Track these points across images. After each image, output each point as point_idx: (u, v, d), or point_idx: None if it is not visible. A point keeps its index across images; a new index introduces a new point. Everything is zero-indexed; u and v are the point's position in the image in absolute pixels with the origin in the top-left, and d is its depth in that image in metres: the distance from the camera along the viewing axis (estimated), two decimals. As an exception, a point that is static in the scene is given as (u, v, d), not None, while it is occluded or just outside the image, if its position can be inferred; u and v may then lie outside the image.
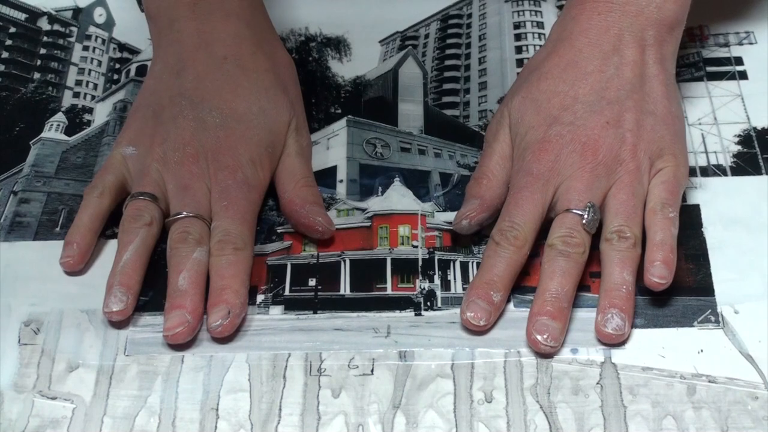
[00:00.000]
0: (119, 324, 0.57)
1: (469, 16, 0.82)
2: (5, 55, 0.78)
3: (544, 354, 0.54)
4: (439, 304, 0.59)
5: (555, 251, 0.55)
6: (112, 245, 0.62)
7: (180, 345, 0.55)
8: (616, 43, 0.60)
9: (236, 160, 0.60)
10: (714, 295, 0.58)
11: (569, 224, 0.56)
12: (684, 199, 0.63)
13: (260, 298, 0.60)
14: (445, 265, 0.61)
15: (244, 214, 0.59)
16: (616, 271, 0.55)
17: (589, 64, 0.60)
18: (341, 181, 0.68)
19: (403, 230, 0.63)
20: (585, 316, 0.57)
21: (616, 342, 0.54)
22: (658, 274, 0.54)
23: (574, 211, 0.56)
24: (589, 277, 0.59)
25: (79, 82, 0.76)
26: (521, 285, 0.59)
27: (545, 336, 0.53)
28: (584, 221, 0.56)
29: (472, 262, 0.61)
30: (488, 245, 0.57)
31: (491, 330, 0.56)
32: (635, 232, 0.56)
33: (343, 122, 0.72)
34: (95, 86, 0.76)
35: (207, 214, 0.58)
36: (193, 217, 0.58)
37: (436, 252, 0.62)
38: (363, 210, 0.65)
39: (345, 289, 0.60)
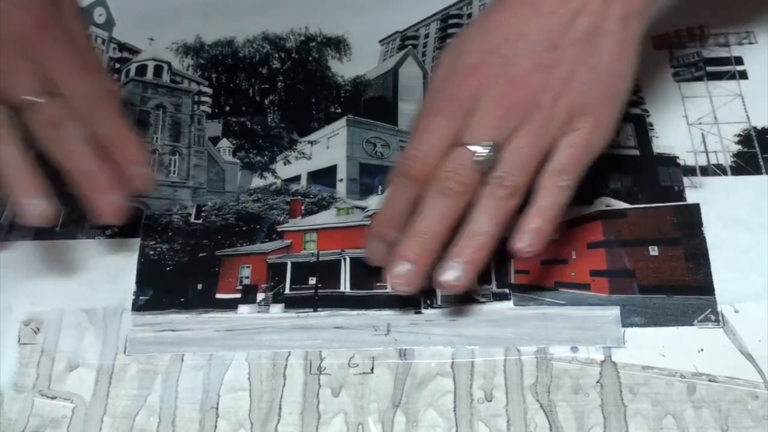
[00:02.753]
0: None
1: (469, 15, 0.81)
2: (5, 55, 0.78)
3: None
4: (439, 302, 0.59)
5: (436, 188, 0.52)
6: (111, 245, 0.62)
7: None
8: None
9: None
10: (714, 294, 0.57)
11: (461, 160, 0.52)
12: (684, 198, 0.63)
13: (260, 296, 0.60)
14: (445, 264, 0.61)
15: None
16: (478, 217, 0.52)
17: (546, 4, 0.56)
18: (341, 180, 0.68)
19: (403, 229, 0.63)
20: (585, 314, 0.57)
21: (452, 291, 0.54)
22: (526, 240, 0.52)
23: (472, 147, 0.52)
24: (589, 276, 0.59)
25: (79, 82, 0.76)
26: (521, 283, 0.59)
27: (401, 280, 0.52)
28: (480, 158, 0.52)
29: (472, 261, 0.61)
30: (393, 175, 0.54)
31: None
32: (517, 182, 0.53)
33: (343, 122, 0.72)
34: (95, 86, 0.76)
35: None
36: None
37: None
38: (363, 209, 0.65)
39: (345, 287, 0.60)
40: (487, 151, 0.52)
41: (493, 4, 0.59)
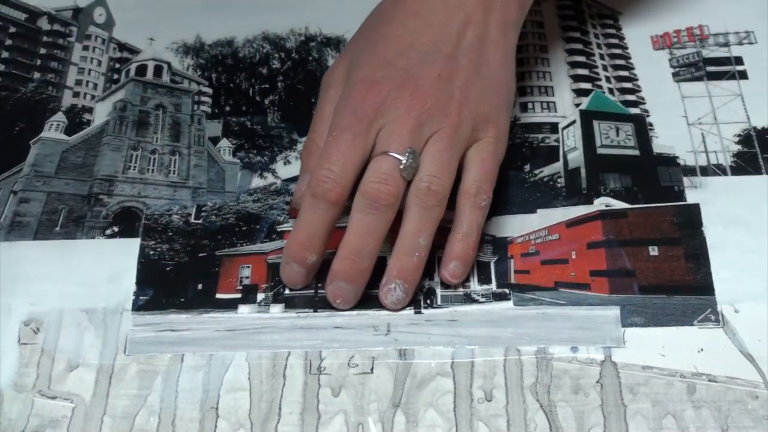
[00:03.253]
0: None
1: (469, 16, 0.81)
2: (5, 55, 0.78)
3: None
4: (439, 302, 0.59)
5: (365, 202, 0.53)
6: (111, 245, 0.62)
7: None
8: (462, 0, 0.59)
9: None
10: (714, 294, 0.57)
11: (385, 168, 0.53)
12: (684, 198, 0.63)
13: (260, 296, 0.60)
14: (445, 264, 0.61)
15: None
16: (411, 231, 0.54)
17: (432, 15, 0.58)
18: (341, 180, 0.68)
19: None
20: (585, 314, 0.57)
21: (393, 309, 0.56)
22: (451, 272, 0.56)
23: (392, 154, 0.53)
24: (589, 276, 0.59)
25: (79, 82, 0.76)
26: (521, 284, 0.59)
27: (338, 300, 0.55)
28: (402, 166, 0.53)
29: (473, 261, 0.61)
30: (304, 195, 0.55)
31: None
32: (445, 186, 0.54)
33: (343, 122, 0.72)
34: (95, 86, 0.76)
35: None
36: None
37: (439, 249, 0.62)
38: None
39: (345, 287, 0.60)
40: (407, 156, 0.53)
41: (374, 18, 0.61)
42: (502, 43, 0.59)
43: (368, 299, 0.59)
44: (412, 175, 0.54)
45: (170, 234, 0.64)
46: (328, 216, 0.54)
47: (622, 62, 0.74)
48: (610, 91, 0.72)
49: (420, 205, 0.54)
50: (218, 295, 0.60)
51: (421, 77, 0.55)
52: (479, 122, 0.57)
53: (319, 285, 0.60)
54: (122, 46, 0.79)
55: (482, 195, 0.56)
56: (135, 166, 0.69)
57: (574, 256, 0.60)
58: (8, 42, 0.79)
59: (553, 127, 0.70)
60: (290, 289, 0.58)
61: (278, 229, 0.64)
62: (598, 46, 0.76)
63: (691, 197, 0.63)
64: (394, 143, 0.54)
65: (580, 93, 0.72)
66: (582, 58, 0.75)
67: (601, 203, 0.63)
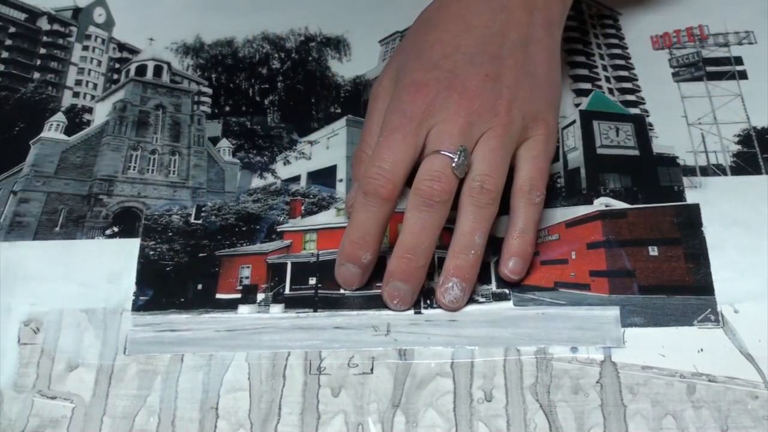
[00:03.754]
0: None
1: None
2: (5, 55, 0.78)
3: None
4: (439, 303, 0.59)
5: (418, 200, 0.53)
6: (111, 245, 0.62)
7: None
8: (504, 1, 0.60)
9: None
10: (714, 295, 0.57)
11: (438, 166, 0.53)
12: (684, 198, 0.63)
13: (260, 296, 0.60)
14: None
15: None
16: (469, 231, 0.54)
17: (475, 18, 0.59)
18: (341, 180, 0.68)
19: (403, 229, 0.63)
20: (585, 314, 0.57)
21: (452, 311, 0.56)
22: (511, 269, 0.56)
23: (444, 152, 0.54)
24: (589, 276, 0.59)
25: (78, 82, 0.76)
26: (522, 284, 0.59)
27: (396, 301, 0.55)
28: (454, 164, 0.53)
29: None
30: (356, 195, 0.55)
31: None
32: (498, 185, 0.55)
33: (342, 122, 0.72)
34: (95, 86, 0.76)
35: None
36: None
37: (435, 250, 0.61)
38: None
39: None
40: (458, 155, 0.53)
41: (418, 25, 0.62)
42: (547, 41, 0.60)
43: (369, 299, 0.59)
44: (464, 173, 0.54)
45: (170, 234, 0.64)
46: (381, 214, 0.54)
47: (622, 62, 0.74)
48: (610, 91, 0.72)
49: (474, 204, 0.54)
50: (218, 296, 0.60)
51: (468, 78, 0.56)
52: (529, 120, 0.57)
53: (319, 286, 0.60)
54: (122, 46, 0.79)
55: (536, 192, 0.57)
56: (135, 166, 0.69)
57: (573, 257, 0.60)
58: (8, 42, 0.79)
59: (553, 127, 0.69)
60: (344, 290, 0.58)
61: (278, 229, 0.64)
62: (598, 46, 0.76)
63: (690, 197, 0.63)
64: (445, 142, 0.54)
65: (580, 93, 0.72)
66: (582, 58, 0.75)
67: (600, 203, 0.63)
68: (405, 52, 0.61)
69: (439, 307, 0.57)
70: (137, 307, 0.58)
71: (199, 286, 0.61)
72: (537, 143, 0.58)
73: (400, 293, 0.54)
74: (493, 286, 0.59)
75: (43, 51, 0.79)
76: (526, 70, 0.58)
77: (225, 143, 0.71)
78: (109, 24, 0.81)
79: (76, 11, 0.82)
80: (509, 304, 0.58)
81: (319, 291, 0.60)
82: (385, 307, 0.58)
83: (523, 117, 0.57)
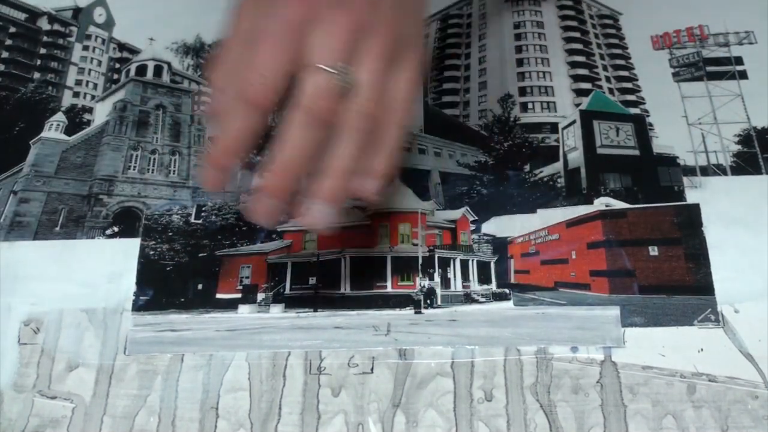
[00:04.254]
0: None
1: (469, 15, 0.81)
2: (5, 55, 0.78)
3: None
4: (439, 302, 0.59)
5: (303, 116, 0.49)
6: (111, 245, 0.62)
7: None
8: None
9: None
10: (714, 294, 0.57)
11: (323, 83, 0.49)
12: (684, 198, 0.63)
13: (261, 296, 0.60)
14: (445, 263, 0.61)
15: None
16: (345, 155, 0.50)
17: None
18: (341, 180, 0.68)
19: (403, 228, 0.63)
20: (585, 314, 0.57)
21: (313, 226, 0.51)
22: (367, 186, 0.51)
23: (328, 69, 0.49)
24: (589, 276, 0.59)
25: (79, 82, 0.76)
26: (521, 284, 0.59)
27: (262, 215, 0.50)
28: (338, 82, 0.49)
29: (472, 260, 0.61)
30: (230, 102, 0.50)
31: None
32: (372, 109, 0.51)
33: (343, 122, 0.72)
34: (95, 86, 0.76)
35: None
36: None
37: (436, 250, 0.62)
38: (363, 208, 0.65)
39: (345, 287, 0.60)
40: (343, 73, 0.49)
41: None
42: None
43: (368, 299, 0.59)
44: (347, 91, 0.50)
45: (170, 234, 0.64)
46: (255, 123, 0.50)
47: (622, 62, 0.74)
48: (610, 91, 0.72)
49: (353, 127, 0.50)
50: (218, 295, 0.60)
51: None
52: (402, 45, 0.53)
53: (319, 285, 0.60)
54: (122, 46, 0.79)
55: (403, 113, 0.52)
56: (135, 166, 0.69)
57: (574, 256, 0.60)
58: (8, 42, 0.79)
59: (553, 127, 0.70)
60: (206, 192, 0.53)
61: (278, 229, 0.64)
62: (598, 46, 0.76)
63: (691, 197, 0.63)
64: (325, 56, 0.50)
65: (580, 93, 0.72)
66: (582, 58, 0.75)
67: (601, 203, 0.63)
68: None
69: (439, 307, 0.58)
70: (137, 307, 0.58)
71: (200, 286, 0.61)
72: (410, 67, 0.53)
73: (268, 208, 0.50)
74: (493, 286, 0.60)
75: (43, 51, 0.79)
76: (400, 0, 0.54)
77: (225, 143, 0.71)
78: (109, 24, 0.81)
79: (77, 11, 0.82)
80: (509, 304, 0.58)
81: (319, 291, 0.60)
82: (385, 306, 0.58)
83: (396, 41, 0.52)
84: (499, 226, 0.63)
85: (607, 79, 0.74)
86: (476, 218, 0.63)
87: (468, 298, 0.59)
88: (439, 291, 0.59)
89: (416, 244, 0.62)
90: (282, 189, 0.50)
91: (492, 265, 0.60)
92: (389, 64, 0.52)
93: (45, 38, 0.80)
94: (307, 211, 0.50)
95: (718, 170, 0.66)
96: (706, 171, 0.65)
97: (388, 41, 0.51)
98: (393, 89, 0.52)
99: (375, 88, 0.51)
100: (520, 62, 0.76)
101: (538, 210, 0.64)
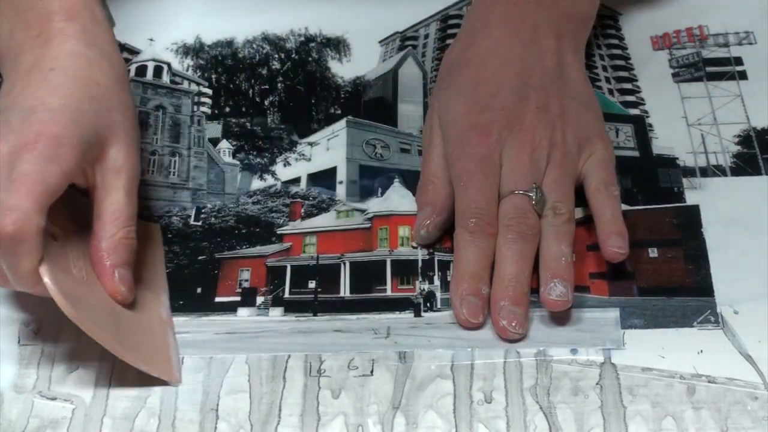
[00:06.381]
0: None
1: (469, 16, 0.81)
2: (5, 55, 0.78)
3: (512, 340, 0.55)
4: (439, 305, 0.59)
5: (512, 233, 0.56)
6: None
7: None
8: (533, 33, 0.62)
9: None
10: (714, 296, 0.58)
11: (520, 205, 0.56)
12: (683, 199, 0.63)
13: (260, 299, 0.60)
14: (445, 266, 0.61)
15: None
16: (553, 244, 0.56)
17: (509, 52, 0.61)
18: (341, 182, 0.68)
19: (403, 231, 0.63)
20: (585, 316, 0.57)
21: (561, 308, 0.55)
22: (616, 245, 0.56)
23: (523, 192, 0.57)
24: (588, 278, 0.59)
25: (78, 83, 0.76)
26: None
27: (513, 324, 0.54)
28: (534, 201, 0.56)
29: (472, 263, 0.61)
30: (459, 236, 0.57)
31: (486, 324, 0.56)
32: (569, 208, 0.57)
33: (342, 123, 0.72)
34: (95, 87, 0.76)
35: None
36: None
37: (435, 253, 0.62)
38: (363, 211, 0.65)
39: (345, 291, 0.60)
40: (535, 192, 0.56)
41: (450, 66, 0.64)
42: (578, 65, 0.63)
43: (368, 303, 0.59)
44: (542, 206, 0.57)
45: (169, 236, 0.64)
46: (489, 248, 0.56)
47: (622, 62, 0.74)
48: (610, 91, 0.72)
49: (550, 225, 0.57)
50: (217, 298, 0.60)
51: (521, 113, 0.59)
52: (583, 141, 0.60)
53: (319, 290, 0.60)
54: (122, 47, 0.79)
55: (611, 187, 0.59)
56: (135, 167, 0.69)
57: (573, 258, 0.60)
58: (8, 43, 0.79)
59: (553, 128, 0.69)
60: (466, 326, 0.56)
61: (278, 232, 0.64)
62: (598, 46, 0.76)
63: (690, 198, 0.63)
64: (519, 182, 0.57)
65: (580, 93, 0.72)
66: (582, 59, 0.75)
67: (601, 204, 0.63)
68: (445, 94, 0.62)
69: (438, 310, 0.58)
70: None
71: (199, 289, 0.61)
72: (599, 155, 0.60)
73: (516, 317, 0.54)
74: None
75: (43, 52, 0.79)
76: (569, 95, 0.60)
77: (225, 144, 0.71)
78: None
79: (76, 12, 0.82)
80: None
81: (319, 295, 0.60)
82: (385, 309, 0.58)
83: (576, 141, 0.59)
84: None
85: (607, 80, 0.74)
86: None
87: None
88: (438, 294, 0.59)
89: (416, 247, 0.62)
90: (520, 297, 0.55)
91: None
92: (576, 162, 0.59)
93: (45, 39, 0.80)
94: (547, 290, 0.55)
95: (718, 171, 0.66)
96: (705, 172, 0.66)
97: (567, 144, 0.59)
98: (593, 179, 0.60)
99: (559, 192, 0.58)
100: (519, 62, 0.76)
101: (538, 211, 0.63)
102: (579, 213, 0.61)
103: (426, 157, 0.63)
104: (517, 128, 0.58)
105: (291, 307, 0.59)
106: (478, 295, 0.55)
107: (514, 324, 0.54)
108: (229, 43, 0.78)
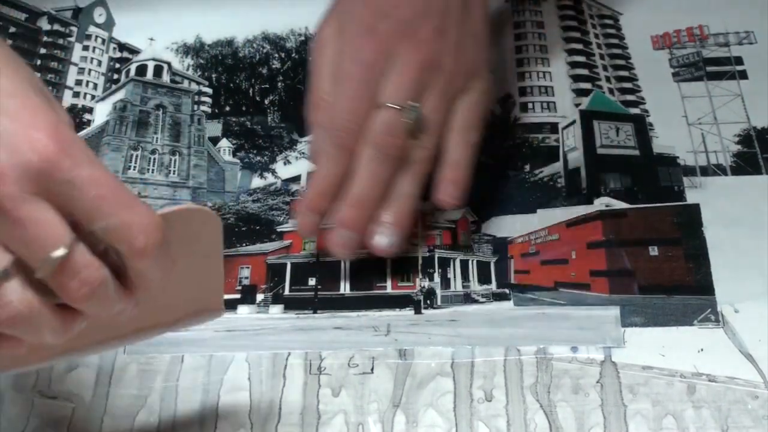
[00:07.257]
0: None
1: (469, 16, 0.81)
2: (5, 55, 0.78)
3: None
4: (439, 303, 0.59)
5: (374, 151, 0.54)
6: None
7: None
8: None
9: None
10: (714, 294, 0.57)
11: (390, 121, 0.54)
12: (684, 198, 0.63)
13: (260, 297, 0.60)
14: (444, 264, 0.61)
15: None
16: (405, 182, 0.55)
17: None
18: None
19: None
20: (585, 314, 0.57)
21: (383, 255, 0.55)
22: (448, 191, 0.55)
23: (397, 106, 0.54)
24: (589, 276, 0.59)
25: (79, 82, 0.76)
26: (521, 284, 0.59)
27: (342, 249, 0.55)
28: (407, 119, 0.54)
29: (472, 260, 0.61)
30: (325, 146, 0.55)
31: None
32: (435, 143, 0.55)
33: (342, 122, 0.72)
34: (95, 86, 0.76)
35: None
36: None
37: (436, 250, 0.62)
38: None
39: (345, 288, 0.60)
40: (414, 112, 0.54)
41: None
42: (483, 5, 0.60)
43: (368, 300, 0.59)
44: (417, 129, 0.54)
45: (170, 234, 0.63)
46: (346, 165, 0.54)
47: (622, 62, 0.74)
48: (610, 91, 0.72)
49: (414, 159, 0.55)
50: (218, 296, 0.60)
51: (420, 30, 0.56)
52: (469, 76, 0.57)
53: (319, 287, 0.60)
54: (122, 46, 0.79)
55: (472, 132, 0.57)
56: (135, 166, 0.69)
57: (574, 256, 0.60)
58: (8, 42, 0.79)
59: (553, 127, 0.70)
60: (300, 234, 0.56)
61: (278, 230, 0.64)
62: (598, 46, 0.76)
63: (691, 197, 0.63)
64: (397, 95, 0.54)
65: (580, 93, 0.72)
66: (582, 58, 0.75)
67: (601, 203, 0.63)
68: (348, 1, 0.59)
69: (439, 307, 0.58)
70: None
71: (199, 287, 0.61)
72: (474, 96, 0.58)
73: (347, 241, 0.54)
74: (493, 286, 0.60)
75: (43, 51, 0.79)
76: (468, 29, 0.58)
77: (225, 143, 0.71)
78: (109, 24, 0.81)
79: (76, 11, 0.82)
80: (509, 304, 0.58)
81: (319, 292, 0.60)
82: (385, 307, 0.58)
83: (464, 73, 0.57)
84: (499, 226, 0.63)
85: (608, 79, 0.74)
86: (476, 218, 0.63)
87: (468, 299, 0.59)
88: (438, 291, 0.59)
89: (416, 245, 0.62)
90: (358, 222, 0.53)
91: (492, 265, 0.60)
92: (455, 96, 0.56)
93: (45, 38, 0.80)
94: (374, 235, 0.54)
95: (719, 170, 0.66)
96: (706, 171, 0.66)
97: (454, 74, 0.55)
98: (458, 118, 0.56)
99: (437, 124, 0.54)
100: (520, 62, 0.76)
101: (538, 210, 0.64)
102: (572, 213, 0.61)
103: (316, 69, 0.58)
104: (411, 43, 0.55)
105: (291, 305, 0.59)
106: (320, 213, 0.55)
107: (342, 249, 0.54)
108: (230, 43, 0.78)
